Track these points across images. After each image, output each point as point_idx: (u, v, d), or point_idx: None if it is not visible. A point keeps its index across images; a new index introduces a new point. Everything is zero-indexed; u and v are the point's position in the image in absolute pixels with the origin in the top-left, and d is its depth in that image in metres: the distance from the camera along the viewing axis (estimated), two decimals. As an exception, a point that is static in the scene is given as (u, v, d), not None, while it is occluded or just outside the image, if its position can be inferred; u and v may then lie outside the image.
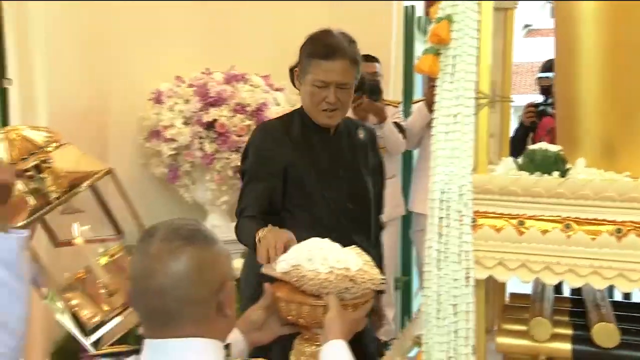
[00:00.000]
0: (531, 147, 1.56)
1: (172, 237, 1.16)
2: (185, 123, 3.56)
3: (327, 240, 1.54)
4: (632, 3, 1.49)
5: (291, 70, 2.09)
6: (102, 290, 1.67)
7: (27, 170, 1.57)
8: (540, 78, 4.14)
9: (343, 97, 2.00)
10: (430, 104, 3.58)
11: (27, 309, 1.31)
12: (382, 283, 1.61)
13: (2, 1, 3.05)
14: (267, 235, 1.75)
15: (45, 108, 3.35)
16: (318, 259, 1.49)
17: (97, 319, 1.57)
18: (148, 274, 1.14)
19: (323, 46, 1.98)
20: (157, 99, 3.70)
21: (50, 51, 3.32)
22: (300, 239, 1.92)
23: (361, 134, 2.17)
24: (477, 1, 1.42)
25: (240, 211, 2.05)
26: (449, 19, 1.42)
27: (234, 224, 4.10)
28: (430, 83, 3.62)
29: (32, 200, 1.52)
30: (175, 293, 1.13)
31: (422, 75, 4.61)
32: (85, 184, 1.44)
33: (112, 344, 1.61)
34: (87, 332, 1.69)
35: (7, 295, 1.26)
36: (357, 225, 2.10)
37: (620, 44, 1.53)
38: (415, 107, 3.90)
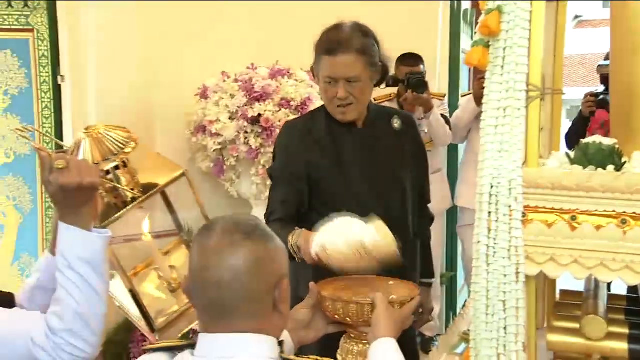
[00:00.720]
0: (584, 140, 1.52)
1: (232, 231, 1.17)
2: (231, 118, 3.60)
3: (348, 217, 1.60)
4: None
5: (312, 67, 2.09)
6: (165, 285, 1.69)
7: (107, 170, 1.60)
8: (600, 66, 3.98)
9: (354, 90, 1.96)
10: (477, 97, 3.54)
11: (106, 306, 1.35)
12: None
13: (57, 0, 3.14)
14: (301, 241, 1.79)
15: (95, 103, 3.44)
16: (340, 237, 1.56)
17: (164, 314, 1.59)
18: (207, 267, 1.15)
19: (327, 42, 1.97)
20: (203, 94, 3.75)
21: (101, 48, 3.40)
22: None
23: (396, 123, 2.13)
24: (528, -9, 1.39)
25: (268, 215, 2.04)
26: (499, 9, 1.40)
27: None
28: (478, 77, 3.57)
29: (108, 200, 1.54)
30: (233, 287, 1.14)
31: (468, 68, 4.56)
32: (160, 184, 1.46)
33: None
34: (154, 328, 1.70)
35: (91, 293, 1.30)
36: (390, 218, 2.04)
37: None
38: (462, 101, 3.86)
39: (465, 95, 3.96)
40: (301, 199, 2.02)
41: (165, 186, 1.48)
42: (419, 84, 3.41)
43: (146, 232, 1.55)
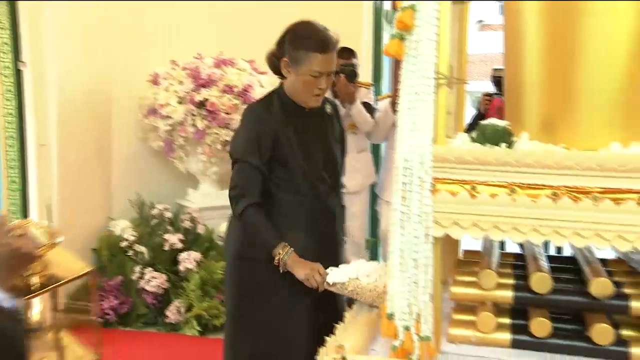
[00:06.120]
0: (483, 122, 1.56)
1: None
2: (180, 102, 3.54)
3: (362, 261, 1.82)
4: (568, 3, 1.50)
5: (274, 58, 2.04)
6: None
7: None
8: (495, 69, 4.17)
9: (329, 82, 2.02)
10: (395, 104, 3.53)
11: None
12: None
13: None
14: (290, 262, 1.90)
15: (55, 89, 3.32)
16: (368, 275, 1.75)
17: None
18: None
19: (320, 40, 1.96)
20: (154, 81, 3.68)
21: (59, 36, 3.28)
22: (286, 203, 2.02)
23: (328, 108, 2.16)
24: (437, -6, 1.41)
25: (240, 195, 1.98)
26: (412, 8, 1.41)
27: (222, 191, 4.13)
28: (396, 87, 3.56)
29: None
30: None
31: (390, 62, 4.59)
32: (64, 280, 1.41)
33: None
34: None
35: None
36: (332, 190, 2.11)
37: (557, 37, 1.53)
38: (382, 107, 3.82)
39: (383, 98, 3.93)
40: (265, 178, 2.00)
41: (70, 281, 1.43)
42: (352, 74, 3.42)
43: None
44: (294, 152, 2.01)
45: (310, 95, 2.01)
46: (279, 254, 1.90)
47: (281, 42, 2.02)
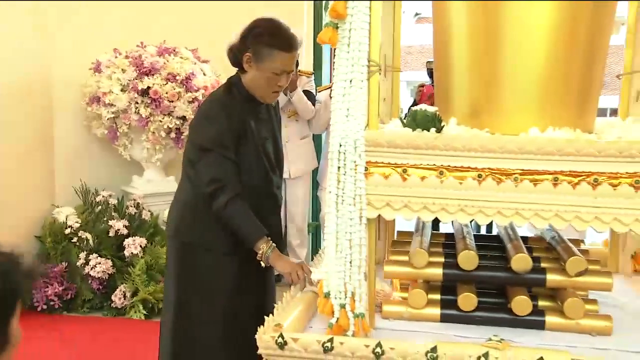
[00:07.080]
0: (414, 108, 1.57)
1: None
2: (123, 90, 3.43)
3: None
4: (491, 2, 1.52)
5: (236, 51, 1.93)
6: None
7: None
8: (429, 61, 4.27)
9: (289, 79, 1.96)
10: None
11: None
12: None
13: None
14: (273, 258, 1.83)
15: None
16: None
17: None
18: None
19: (286, 39, 1.88)
20: (97, 69, 3.55)
21: (1, 23, 3.11)
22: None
23: None
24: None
25: (222, 187, 1.86)
26: (345, -3, 1.39)
27: (167, 178, 4.02)
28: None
29: None
30: None
31: (329, 55, 4.57)
32: None
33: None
34: None
35: None
36: (278, 178, 2.08)
37: (481, 30, 1.55)
38: (321, 98, 3.79)
39: (323, 90, 3.91)
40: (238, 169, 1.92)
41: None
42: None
43: None
44: (255, 144, 1.96)
45: (269, 91, 1.94)
46: (262, 248, 1.83)
47: (245, 37, 1.91)
